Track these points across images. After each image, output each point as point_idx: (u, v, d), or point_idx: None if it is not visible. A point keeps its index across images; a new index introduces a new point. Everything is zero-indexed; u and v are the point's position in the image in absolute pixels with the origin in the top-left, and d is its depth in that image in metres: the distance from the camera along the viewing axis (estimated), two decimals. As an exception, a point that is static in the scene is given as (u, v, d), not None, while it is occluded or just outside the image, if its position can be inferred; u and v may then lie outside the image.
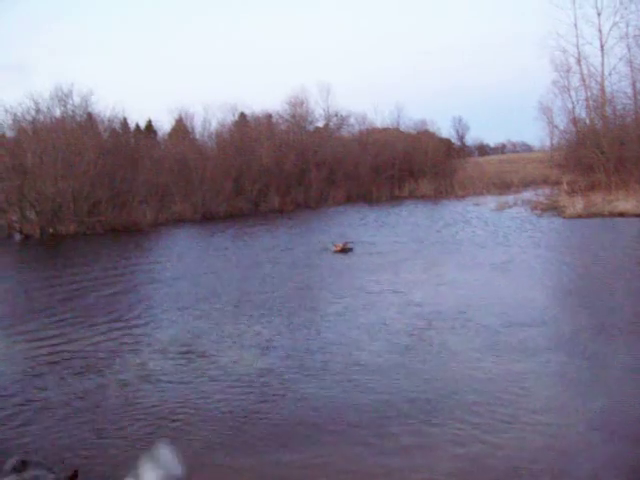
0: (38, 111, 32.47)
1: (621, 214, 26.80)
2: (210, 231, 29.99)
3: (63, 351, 10.28)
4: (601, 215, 27.27)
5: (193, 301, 13.87)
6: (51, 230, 29.48)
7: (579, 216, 27.39)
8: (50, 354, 10.12)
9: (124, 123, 39.62)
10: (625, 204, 27.90)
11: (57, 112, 33.59)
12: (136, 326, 11.87)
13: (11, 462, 4.29)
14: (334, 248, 20.57)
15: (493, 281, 14.80)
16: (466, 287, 14.15)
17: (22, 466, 4.23)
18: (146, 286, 16.25)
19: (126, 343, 10.66)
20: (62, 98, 33.36)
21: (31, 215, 29.84)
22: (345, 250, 20.33)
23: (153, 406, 7.66)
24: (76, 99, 34.05)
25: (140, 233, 29.96)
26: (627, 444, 6.10)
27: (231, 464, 6.12)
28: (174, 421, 7.19)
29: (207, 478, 5.87)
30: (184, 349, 10.09)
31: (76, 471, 4.44)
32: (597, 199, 30.33)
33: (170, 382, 8.55)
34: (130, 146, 36.52)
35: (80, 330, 11.72)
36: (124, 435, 6.85)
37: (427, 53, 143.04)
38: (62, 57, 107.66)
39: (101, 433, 6.93)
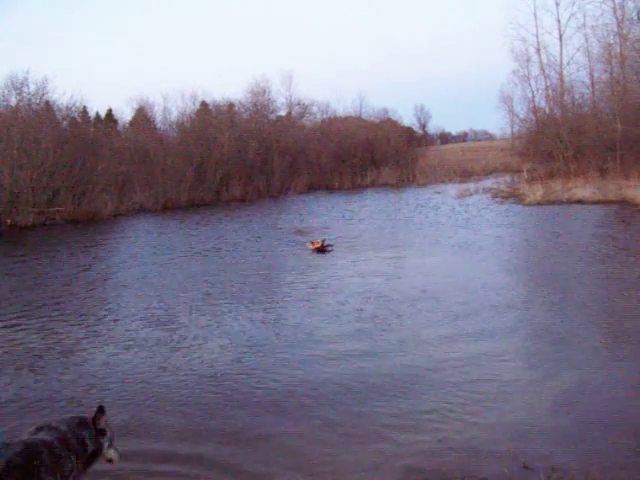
0: (-9, 99, 31.71)
1: (579, 201, 27.48)
2: (171, 220, 29.73)
3: (17, 343, 10.12)
4: (560, 202, 27.87)
5: (154, 291, 13.75)
6: (9, 221, 28.87)
7: (538, 203, 27.94)
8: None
9: (84, 112, 38.99)
10: (583, 191, 28.61)
11: (13, 101, 32.86)
12: (92, 317, 11.69)
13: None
14: (311, 246, 18.26)
15: (455, 265, 15.10)
16: (430, 271, 14.43)
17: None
18: (104, 276, 16.03)
19: (83, 335, 10.47)
20: (17, 86, 32.58)
21: (-13, 206, 29.18)
22: (324, 249, 17.97)
23: (117, 397, 7.59)
24: (31, 87, 33.26)
25: (100, 223, 29.59)
26: (588, 426, 6.26)
27: (199, 453, 6.10)
28: (140, 412, 7.14)
29: (176, 469, 5.84)
30: (145, 339, 10.00)
31: (101, 407, 4.28)
32: (556, 186, 31.00)
33: (133, 372, 8.48)
34: (90, 135, 35.93)
35: (32, 321, 11.52)
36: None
37: (390, 42, 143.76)
38: (19, 46, 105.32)
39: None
